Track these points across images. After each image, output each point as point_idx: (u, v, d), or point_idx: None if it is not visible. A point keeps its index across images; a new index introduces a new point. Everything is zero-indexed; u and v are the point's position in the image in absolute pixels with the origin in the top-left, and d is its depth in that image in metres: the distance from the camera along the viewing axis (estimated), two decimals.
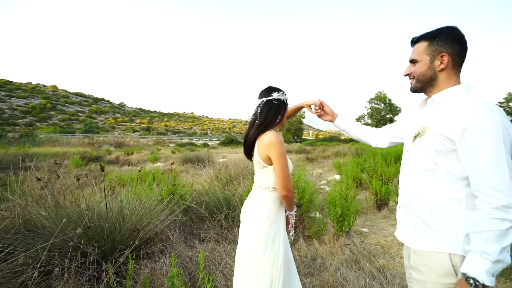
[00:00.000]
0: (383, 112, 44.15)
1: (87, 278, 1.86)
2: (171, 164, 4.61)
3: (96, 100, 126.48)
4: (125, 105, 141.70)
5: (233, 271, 2.21)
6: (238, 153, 20.12)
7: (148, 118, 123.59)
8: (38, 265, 1.64)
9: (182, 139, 57.12)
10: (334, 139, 50.00)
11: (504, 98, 37.80)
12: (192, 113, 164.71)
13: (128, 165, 10.56)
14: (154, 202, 2.75)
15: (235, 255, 2.46)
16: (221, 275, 2.13)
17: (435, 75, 1.03)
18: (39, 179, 1.92)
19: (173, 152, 21.27)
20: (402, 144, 1.32)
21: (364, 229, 3.40)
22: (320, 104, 1.54)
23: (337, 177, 7.74)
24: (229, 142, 42.67)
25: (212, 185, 3.93)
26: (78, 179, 2.11)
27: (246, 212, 1.41)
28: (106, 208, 2.05)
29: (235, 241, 2.81)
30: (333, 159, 14.88)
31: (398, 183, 4.44)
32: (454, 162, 0.92)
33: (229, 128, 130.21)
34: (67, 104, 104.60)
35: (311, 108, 1.58)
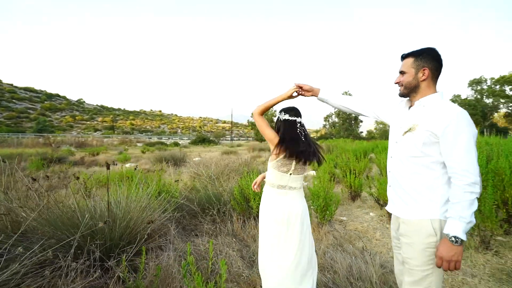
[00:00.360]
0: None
1: (93, 275, 1.87)
2: (162, 164, 4.51)
3: (50, 96, 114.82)
4: (84, 102, 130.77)
5: (233, 260, 2.37)
6: (211, 151, 19.96)
7: (111, 116, 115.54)
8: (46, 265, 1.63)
9: (150, 138, 54.64)
10: None
11: (450, 100, 42.52)
12: (160, 111, 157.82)
13: (116, 166, 9.99)
14: (146, 201, 2.77)
15: (232, 246, 2.61)
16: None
17: (418, 84, 1.32)
18: (34, 179, 1.86)
19: (143, 152, 20.38)
20: (379, 122, 1.71)
21: (343, 218, 3.77)
22: (298, 87, 1.64)
23: (312, 172, 8.21)
24: (201, 141, 41.89)
25: (202, 183, 4.00)
26: (77, 178, 2.07)
27: (303, 206, 1.71)
28: (108, 206, 2.05)
29: (229, 234, 2.96)
30: None
31: (368, 176, 4.93)
32: (435, 151, 1.21)
33: (200, 127, 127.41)
34: (14, 100, 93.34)
35: (292, 96, 1.68)
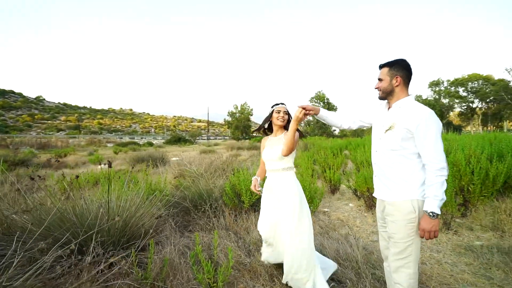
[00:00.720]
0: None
1: (99, 271, 1.90)
2: (141, 164, 4.46)
3: (3, 93, 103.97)
4: (44, 99, 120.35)
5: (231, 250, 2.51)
6: (189, 151, 19.62)
7: (76, 115, 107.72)
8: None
9: (121, 138, 52.05)
10: None
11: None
12: (131, 109, 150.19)
13: (99, 166, 9.47)
14: (138, 199, 2.80)
15: (230, 238, 2.75)
16: (224, 254, 2.40)
17: (393, 89, 1.59)
18: (32, 179, 1.84)
19: (115, 153, 19.48)
20: (361, 129, 1.98)
21: (326, 209, 4.07)
22: (302, 108, 1.84)
23: None
24: (176, 140, 40.88)
25: (193, 181, 4.06)
26: (77, 176, 2.07)
27: None
28: (108, 205, 2.08)
29: (223, 228, 3.09)
30: None
31: (344, 171, 5.34)
32: (411, 144, 1.48)
33: (174, 126, 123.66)
34: None
35: (301, 118, 1.85)
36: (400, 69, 1.56)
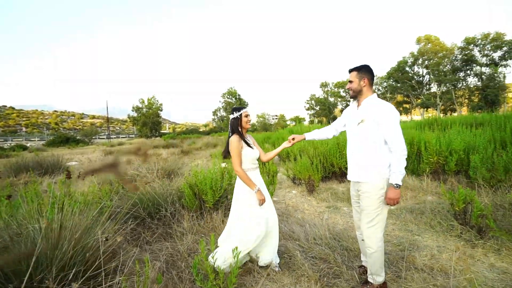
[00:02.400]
0: (234, 106, 50.16)
1: None
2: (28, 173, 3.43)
3: None
4: None
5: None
6: (87, 153, 16.31)
7: None
8: None
9: None
10: (193, 131, 51.26)
11: (309, 98, 53.91)
12: None
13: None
14: (83, 218, 2.23)
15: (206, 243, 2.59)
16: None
17: (361, 89, 1.94)
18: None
19: None
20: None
21: (274, 198, 4.37)
22: (291, 139, 2.29)
23: (224, 165, 8.57)
24: (64, 141, 33.08)
25: (125, 187, 3.49)
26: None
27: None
28: (59, 230, 1.56)
29: (187, 232, 2.86)
30: (205, 150, 15.76)
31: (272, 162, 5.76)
32: (379, 133, 1.83)
33: (56, 124, 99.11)
34: None
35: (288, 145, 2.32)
36: (366, 72, 1.93)
